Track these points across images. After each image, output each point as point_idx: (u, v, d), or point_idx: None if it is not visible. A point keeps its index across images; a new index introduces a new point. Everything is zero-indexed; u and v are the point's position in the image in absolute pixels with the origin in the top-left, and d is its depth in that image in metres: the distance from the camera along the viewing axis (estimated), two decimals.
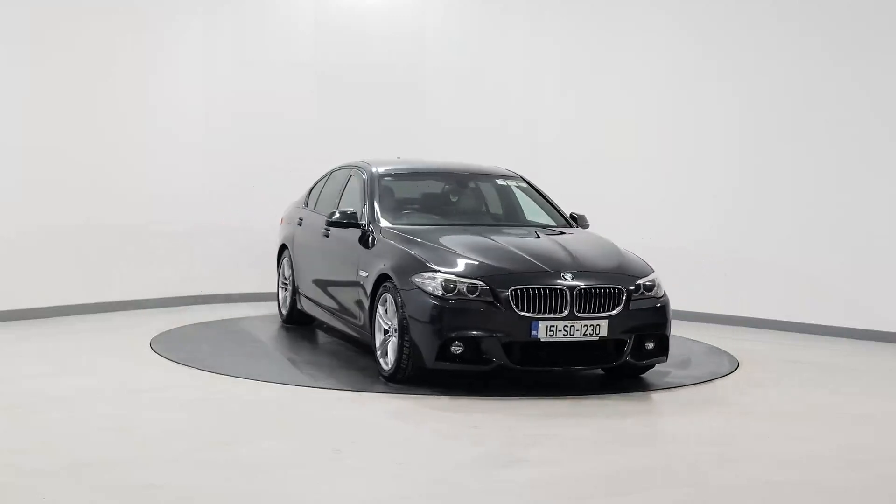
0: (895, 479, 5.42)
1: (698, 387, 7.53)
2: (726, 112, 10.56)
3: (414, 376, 7.09)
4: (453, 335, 6.85)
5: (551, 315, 6.90)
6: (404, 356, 7.03)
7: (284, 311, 9.89)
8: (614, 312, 7.05)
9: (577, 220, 8.57)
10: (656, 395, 7.19)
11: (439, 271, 7.03)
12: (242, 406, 6.65)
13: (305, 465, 5.32)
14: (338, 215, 8.15)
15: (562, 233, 8.21)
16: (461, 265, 7.13)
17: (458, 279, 6.96)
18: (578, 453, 5.69)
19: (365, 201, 8.28)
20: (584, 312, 6.96)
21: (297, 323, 9.72)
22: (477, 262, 7.13)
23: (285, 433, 5.97)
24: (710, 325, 10.38)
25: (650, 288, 7.33)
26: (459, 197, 8.79)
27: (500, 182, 8.93)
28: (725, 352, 8.85)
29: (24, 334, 9.01)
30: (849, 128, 9.81)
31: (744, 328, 10.27)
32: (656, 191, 10.99)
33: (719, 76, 10.59)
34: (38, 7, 9.76)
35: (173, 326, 9.50)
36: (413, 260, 7.24)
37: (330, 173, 9.56)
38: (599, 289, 7.05)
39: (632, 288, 7.19)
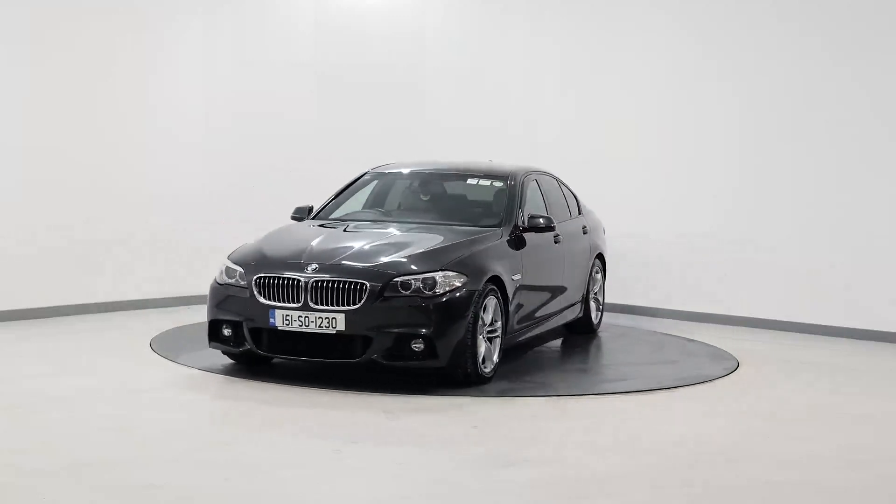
0: (895, 479, 5.43)
1: (698, 387, 7.53)
2: (726, 112, 10.55)
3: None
4: (214, 318, 7.37)
5: (286, 304, 7.02)
6: None
7: None
8: (352, 308, 6.88)
9: (532, 221, 8.05)
10: (656, 395, 7.19)
11: (229, 259, 7.51)
12: (242, 406, 6.65)
13: (305, 465, 5.32)
14: (295, 210, 8.61)
15: (469, 233, 7.81)
16: (252, 255, 7.45)
17: (235, 267, 7.36)
18: (578, 453, 5.69)
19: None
20: (320, 305, 6.95)
21: None
22: (257, 253, 7.44)
23: (285, 433, 5.97)
24: (710, 325, 10.37)
25: (430, 286, 6.94)
26: (427, 197, 8.79)
27: (472, 182, 8.94)
28: (725, 352, 8.85)
29: (24, 334, 9.01)
30: (849, 128, 9.81)
31: (744, 328, 10.26)
32: (656, 191, 10.98)
33: (719, 76, 10.58)
34: (38, 7, 9.76)
35: (173, 326, 9.50)
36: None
37: None
38: (336, 282, 6.94)
39: (382, 285, 6.89)
